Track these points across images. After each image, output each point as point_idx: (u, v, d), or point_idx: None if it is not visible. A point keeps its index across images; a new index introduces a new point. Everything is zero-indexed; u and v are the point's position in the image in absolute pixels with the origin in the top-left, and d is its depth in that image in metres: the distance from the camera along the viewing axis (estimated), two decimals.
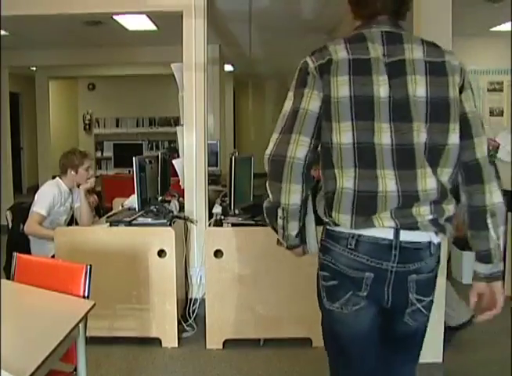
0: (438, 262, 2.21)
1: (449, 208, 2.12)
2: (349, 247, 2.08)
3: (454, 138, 2.10)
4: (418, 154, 2.05)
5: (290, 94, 2.17)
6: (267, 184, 2.21)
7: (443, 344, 4.09)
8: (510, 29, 6.83)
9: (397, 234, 2.05)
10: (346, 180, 2.05)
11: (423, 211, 2.06)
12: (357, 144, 2.03)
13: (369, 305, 2.12)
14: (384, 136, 2.03)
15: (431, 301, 2.23)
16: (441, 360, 4.04)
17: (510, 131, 7.72)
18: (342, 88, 2.04)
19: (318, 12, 6.65)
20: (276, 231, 2.26)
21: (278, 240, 2.38)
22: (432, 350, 4.05)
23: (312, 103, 2.08)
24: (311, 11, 6.62)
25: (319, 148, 2.15)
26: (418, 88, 2.05)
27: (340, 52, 2.09)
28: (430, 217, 2.06)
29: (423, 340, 2.35)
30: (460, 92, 2.24)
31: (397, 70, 2.06)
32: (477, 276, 2.27)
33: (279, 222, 2.19)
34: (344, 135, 2.04)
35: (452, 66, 2.16)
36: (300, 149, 2.08)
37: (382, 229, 2.04)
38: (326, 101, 2.06)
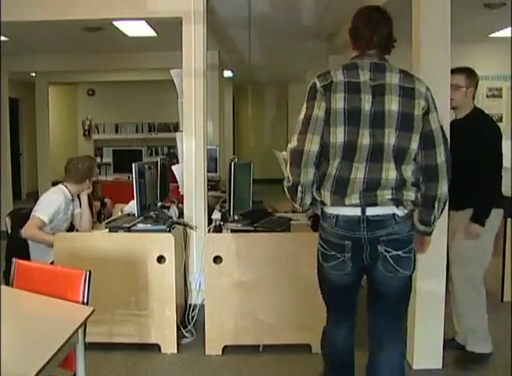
0: (411, 229, 2.96)
1: (409, 194, 2.87)
2: (331, 224, 2.91)
3: (414, 145, 2.86)
4: (387, 153, 2.82)
5: (304, 106, 2.93)
6: (288, 169, 2.93)
7: (442, 350, 4.08)
8: (508, 35, 6.85)
9: (363, 211, 2.83)
10: (332, 169, 2.86)
11: (384, 194, 2.82)
12: (346, 143, 2.81)
13: (352, 263, 2.93)
14: (364, 138, 2.81)
15: (399, 257, 2.88)
16: (440, 366, 4.04)
17: (509, 137, 7.74)
18: (339, 102, 2.82)
19: (317, 18, 6.67)
20: (295, 201, 3.00)
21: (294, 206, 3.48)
22: (432, 356, 4.06)
23: (321, 111, 2.85)
24: (311, 17, 6.65)
25: None
26: (392, 104, 2.81)
27: (338, 76, 2.88)
28: (390, 197, 2.83)
29: (402, 301, 3.06)
30: (427, 113, 2.88)
31: (379, 91, 2.83)
32: (418, 232, 3.03)
33: (299, 195, 2.93)
34: (338, 136, 2.82)
35: (420, 92, 2.87)
36: (313, 145, 2.84)
37: (352, 208, 2.83)
38: (327, 112, 2.83)
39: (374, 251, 2.87)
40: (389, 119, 2.80)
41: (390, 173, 2.82)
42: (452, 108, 4.22)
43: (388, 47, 2.98)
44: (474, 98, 4.38)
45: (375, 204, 2.82)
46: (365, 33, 2.97)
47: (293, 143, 2.89)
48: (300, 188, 2.91)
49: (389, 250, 2.87)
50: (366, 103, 2.80)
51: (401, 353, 3.14)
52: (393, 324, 3.05)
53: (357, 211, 2.83)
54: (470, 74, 4.32)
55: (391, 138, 2.80)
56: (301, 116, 2.91)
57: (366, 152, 2.81)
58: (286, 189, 3.00)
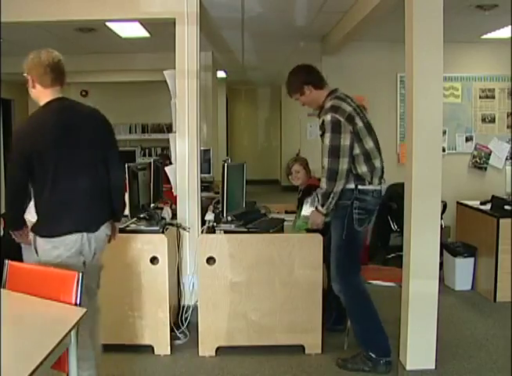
0: None
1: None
2: (373, 195, 4.12)
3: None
4: (379, 150, 4.25)
5: (331, 135, 4.01)
6: (325, 181, 4.01)
7: (435, 351, 4.09)
8: (501, 36, 6.88)
9: (381, 187, 4.22)
10: (377, 163, 4.17)
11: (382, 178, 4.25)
12: (374, 146, 4.19)
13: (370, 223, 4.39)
14: (370, 144, 4.15)
15: None
16: (433, 367, 4.04)
17: (502, 138, 7.78)
18: (359, 123, 4.09)
19: (310, 20, 6.67)
20: (324, 204, 4.06)
21: (317, 209, 4.16)
22: (425, 357, 4.07)
23: (348, 141, 4.01)
24: (304, 18, 6.65)
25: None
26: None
27: (348, 107, 4.10)
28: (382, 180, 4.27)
29: None
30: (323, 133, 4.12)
31: (360, 110, 4.23)
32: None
33: (330, 200, 4.03)
34: (369, 143, 4.15)
35: None
36: (345, 165, 4.00)
37: (380, 186, 4.18)
38: (356, 132, 4.06)
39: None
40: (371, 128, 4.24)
41: (382, 163, 4.25)
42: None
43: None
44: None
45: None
46: (320, 75, 4.48)
47: (329, 164, 3.99)
48: (332, 195, 4.01)
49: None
50: (363, 119, 4.15)
51: None
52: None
53: (380, 188, 4.19)
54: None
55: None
56: (330, 143, 4.00)
57: (376, 151, 4.18)
58: (320, 195, 4.08)
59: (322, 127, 4.10)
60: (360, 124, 4.07)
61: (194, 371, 4.22)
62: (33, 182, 3.44)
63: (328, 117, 4.02)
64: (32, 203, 3.57)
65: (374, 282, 4.48)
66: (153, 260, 4.39)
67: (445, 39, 3.90)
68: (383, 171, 4.22)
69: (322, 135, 4.15)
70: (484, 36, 7.16)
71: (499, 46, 7.27)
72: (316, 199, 4.19)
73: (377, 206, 4.20)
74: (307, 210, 4.46)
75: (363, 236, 4.30)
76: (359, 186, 4.06)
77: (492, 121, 7.86)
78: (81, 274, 2.91)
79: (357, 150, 4.06)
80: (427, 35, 3.91)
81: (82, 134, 3.58)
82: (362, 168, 4.08)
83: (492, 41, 7.27)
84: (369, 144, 4.12)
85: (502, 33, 6.74)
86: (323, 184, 4.03)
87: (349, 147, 4.00)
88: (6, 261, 3.19)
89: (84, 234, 3.46)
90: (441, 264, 5.36)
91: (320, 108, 4.29)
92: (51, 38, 7.68)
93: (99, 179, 3.59)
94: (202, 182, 5.36)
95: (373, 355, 4.10)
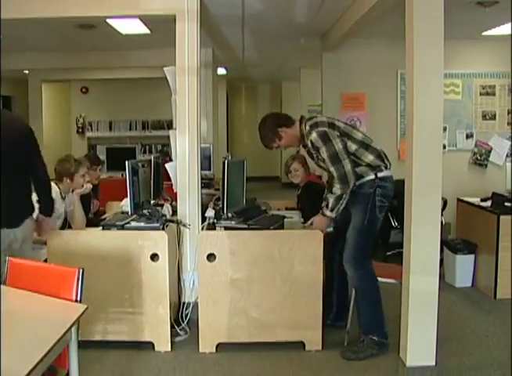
0: None
1: None
2: (391, 181, 4.32)
3: None
4: None
5: (325, 147, 4.24)
6: (339, 186, 4.18)
7: (435, 348, 4.09)
8: (501, 33, 6.87)
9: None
10: (376, 146, 4.42)
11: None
12: (360, 141, 4.37)
13: None
14: (358, 134, 4.43)
15: None
16: (434, 364, 4.05)
17: (502, 135, 7.77)
18: (339, 124, 4.42)
19: (310, 16, 6.67)
20: (332, 210, 4.26)
21: (323, 214, 4.36)
22: (425, 353, 4.07)
23: (340, 143, 4.25)
24: (304, 15, 6.64)
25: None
26: None
27: (323, 118, 4.47)
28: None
29: None
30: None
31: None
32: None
33: (342, 201, 4.23)
34: (354, 141, 4.34)
35: None
36: (349, 165, 4.19)
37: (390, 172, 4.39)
38: (341, 134, 4.32)
39: None
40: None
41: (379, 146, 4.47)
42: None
43: None
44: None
45: None
46: (285, 114, 4.78)
47: (338, 169, 4.19)
48: (344, 196, 4.21)
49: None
50: (340, 121, 4.51)
51: None
52: None
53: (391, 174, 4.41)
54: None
55: None
56: (331, 152, 4.21)
57: (367, 137, 4.47)
58: (333, 199, 4.24)
59: (314, 146, 4.33)
60: (340, 124, 4.41)
61: (194, 368, 4.23)
62: None
63: (314, 135, 4.29)
64: None
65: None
66: (154, 257, 4.39)
67: (445, 36, 3.90)
68: (385, 153, 4.44)
69: (318, 157, 4.41)
70: (485, 33, 7.15)
71: (499, 43, 7.26)
72: (324, 203, 4.33)
73: (393, 192, 4.36)
74: None
75: (379, 224, 4.41)
76: (379, 174, 4.27)
77: (493, 117, 7.85)
78: (81, 270, 2.91)
79: (352, 146, 4.31)
80: (427, 32, 3.91)
81: (4, 141, 3.87)
82: (369, 157, 4.31)
83: (492, 37, 7.26)
84: (358, 135, 4.40)
85: (503, 29, 6.72)
86: (337, 189, 4.21)
87: (344, 148, 4.25)
88: (7, 257, 3.19)
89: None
90: (441, 261, 5.37)
91: (300, 140, 4.55)
92: (51, 35, 7.69)
93: (20, 183, 4.08)
94: (202, 179, 5.36)
95: (375, 338, 4.29)
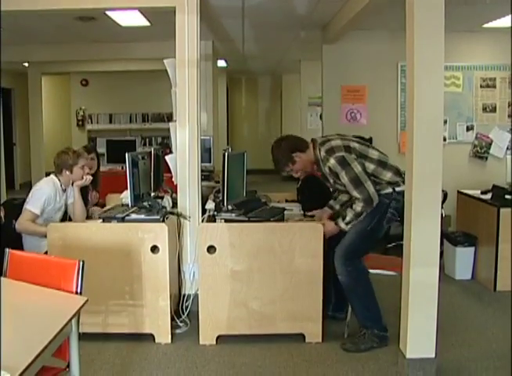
0: None
1: None
2: (404, 195, 4.22)
3: None
4: None
5: (344, 171, 4.24)
6: (362, 205, 4.22)
7: (435, 339, 4.10)
8: (502, 25, 6.85)
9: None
10: (386, 173, 4.38)
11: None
12: (377, 160, 4.39)
13: None
14: (375, 153, 4.42)
15: None
16: (433, 355, 4.05)
17: (503, 128, 7.77)
18: (354, 145, 4.39)
19: (311, 8, 6.65)
20: (348, 223, 4.31)
21: (337, 224, 4.40)
22: (425, 345, 4.08)
23: (359, 166, 4.26)
24: (304, 7, 6.63)
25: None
26: None
27: (337, 141, 4.39)
28: None
29: None
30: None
31: None
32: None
33: (359, 218, 4.27)
34: (371, 161, 4.35)
35: None
36: (371, 187, 4.22)
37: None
38: (357, 156, 4.32)
39: None
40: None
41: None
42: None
43: None
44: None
45: None
46: (300, 138, 4.70)
47: (360, 192, 4.21)
48: (364, 214, 4.27)
49: None
50: (353, 140, 4.52)
51: None
52: None
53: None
54: None
55: None
56: (350, 176, 4.23)
57: (383, 154, 4.49)
58: (352, 214, 4.27)
59: (332, 172, 4.36)
60: (355, 145, 4.40)
61: (195, 359, 4.23)
62: None
63: (332, 161, 4.29)
64: None
65: (375, 271, 4.49)
66: (154, 249, 4.40)
67: (446, 28, 3.89)
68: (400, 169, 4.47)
69: (335, 182, 4.45)
70: (486, 25, 7.13)
71: (500, 35, 7.24)
72: (346, 211, 4.38)
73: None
74: None
75: (382, 234, 4.49)
76: (397, 188, 4.32)
77: (493, 110, 7.84)
78: (81, 262, 2.92)
79: (370, 166, 4.34)
80: (428, 24, 3.90)
81: None
82: (387, 175, 4.37)
83: (493, 30, 7.25)
84: (375, 154, 4.41)
85: (504, 22, 6.71)
86: (359, 207, 4.24)
87: (363, 170, 4.27)
88: (7, 249, 3.20)
89: None
90: (441, 253, 5.37)
91: (314, 165, 4.59)
92: (51, 27, 7.69)
93: None
94: (202, 171, 5.35)
95: (375, 331, 4.32)
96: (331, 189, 4.80)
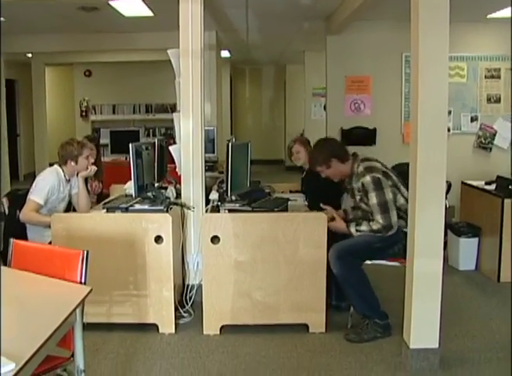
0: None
1: None
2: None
3: None
4: None
5: (376, 193, 4.31)
6: (381, 228, 4.30)
7: (439, 330, 4.10)
8: (507, 15, 6.81)
9: None
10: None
11: None
12: (406, 198, 4.33)
13: None
14: (405, 192, 4.38)
15: None
16: (437, 346, 4.05)
17: (507, 119, 7.75)
18: (392, 175, 4.45)
19: None
20: (358, 232, 4.38)
21: (347, 226, 4.46)
22: (428, 336, 4.07)
23: (391, 194, 4.34)
24: None
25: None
26: None
27: (378, 164, 4.47)
28: None
29: None
30: None
31: None
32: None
33: (372, 233, 4.34)
34: (402, 197, 4.42)
35: None
36: (395, 217, 4.33)
37: None
38: (393, 185, 4.41)
39: None
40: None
41: None
42: None
43: None
44: None
45: None
46: (344, 148, 4.68)
47: (384, 219, 4.29)
48: (381, 233, 4.32)
49: None
50: (391, 170, 4.54)
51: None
52: None
53: None
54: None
55: None
56: (379, 200, 4.30)
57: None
58: (367, 227, 4.34)
59: (363, 189, 4.41)
60: (393, 175, 4.48)
61: (198, 349, 4.25)
62: None
63: (368, 178, 4.35)
64: None
65: (378, 261, 4.50)
66: (158, 239, 4.40)
67: (450, 19, 3.86)
68: None
69: (361, 199, 4.49)
70: (490, 15, 7.10)
71: (505, 25, 7.20)
72: (355, 222, 4.48)
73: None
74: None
75: (381, 258, 4.58)
76: (404, 230, 4.28)
77: (498, 101, 7.82)
78: (85, 252, 2.92)
79: (400, 200, 4.43)
80: (433, 14, 3.87)
81: None
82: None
83: (498, 20, 7.21)
84: (405, 191, 4.40)
85: (508, 12, 6.67)
86: (376, 226, 4.32)
87: (393, 199, 4.36)
88: (11, 239, 3.20)
89: None
90: (445, 244, 5.36)
91: (343, 176, 4.65)
92: (54, 18, 7.67)
93: None
94: (206, 162, 5.35)
95: (378, 321, 4.35)
96: (352, 206, 4.78)
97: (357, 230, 4.38)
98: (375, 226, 4.32)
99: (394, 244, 4.39)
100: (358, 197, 4.50)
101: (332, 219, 4.55)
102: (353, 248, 4.38)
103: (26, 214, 4.68)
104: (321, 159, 4.59)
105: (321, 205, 4.77)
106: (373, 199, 4.32)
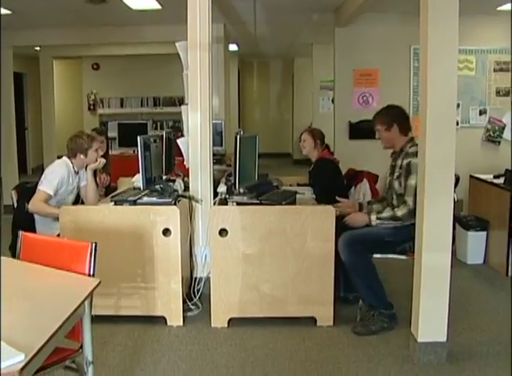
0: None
1: None
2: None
3: None
4: None
5: (415, 177, 4.21)
6: (405, 213, 4.35)
7: (447, 323, 4.10)
8: None
9: None
10: None
11: None
12: None
13: None
14: None
15: None
16: (445, 339, 4.05)
17: None
18: None
19: None
20: (379, 219, 4.44)
21: (369, 214, 4.53)
22: (436, 329, 4.07)
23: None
24: None
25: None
26: None
27: None
28: None
29: None
30: None
31: None
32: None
33: (392, 222, 4.40)
34: None
35: None
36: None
37: None
38: None
39: None
40: None
41: None
42: None
43: None
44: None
45: None
46: (410, 124, 4.68)
47: (410, 203, 4.32)
48: (403, 219, 4.36)
49: None
50: None
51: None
52: None
53: None
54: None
55: None
56: (415, 184, 4.20)
57: None
58: (389, 214, 4.41)
59: (407, 168, 4.42)
60: None
61: (206, 342, 4.26)
62: None
63: (415, 160, 4.25)
64: None
65: (386, 255, 4.50)
66: (166, 232, 4.41)
67: (460, 11, 3.84)
68: None
69: (398, 177, 4.49)
70: (500, 8, 7.06)
71: None
72: (382, 210, 4.53)
73: None
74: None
75: (388, 252, 4.57)
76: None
77: (507, 94, 7.79)
78: (94, 244, 2.93)
79: None
80: (442, 7, 3.85)
81: None
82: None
83: (508, 12, 7.15)
84: None
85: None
86: (399, 213, 4.38)
87: None
88: (20, 232, 3.21)
89: None
90: (453, 238, 5.35)
91: (392, 147, 4.69)
92: (61, 11, 7.67)
93: None
94: (214, 155, 5.35)
95: (383, 311, 4.37)
96: (386, 186, 4.82)
97: (378, 218, 4.44)
98: (400, 212, 4.37)
99: (405, 241, 4.40)
100: (396, 174, 4.51)
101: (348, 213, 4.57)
102: (363, 238, 4.42)
103: (35, 204, 4.69)
104: (385, 119, 4.63)
105: (337, 198, 4.79)
106: (413, 180, 4.31)
